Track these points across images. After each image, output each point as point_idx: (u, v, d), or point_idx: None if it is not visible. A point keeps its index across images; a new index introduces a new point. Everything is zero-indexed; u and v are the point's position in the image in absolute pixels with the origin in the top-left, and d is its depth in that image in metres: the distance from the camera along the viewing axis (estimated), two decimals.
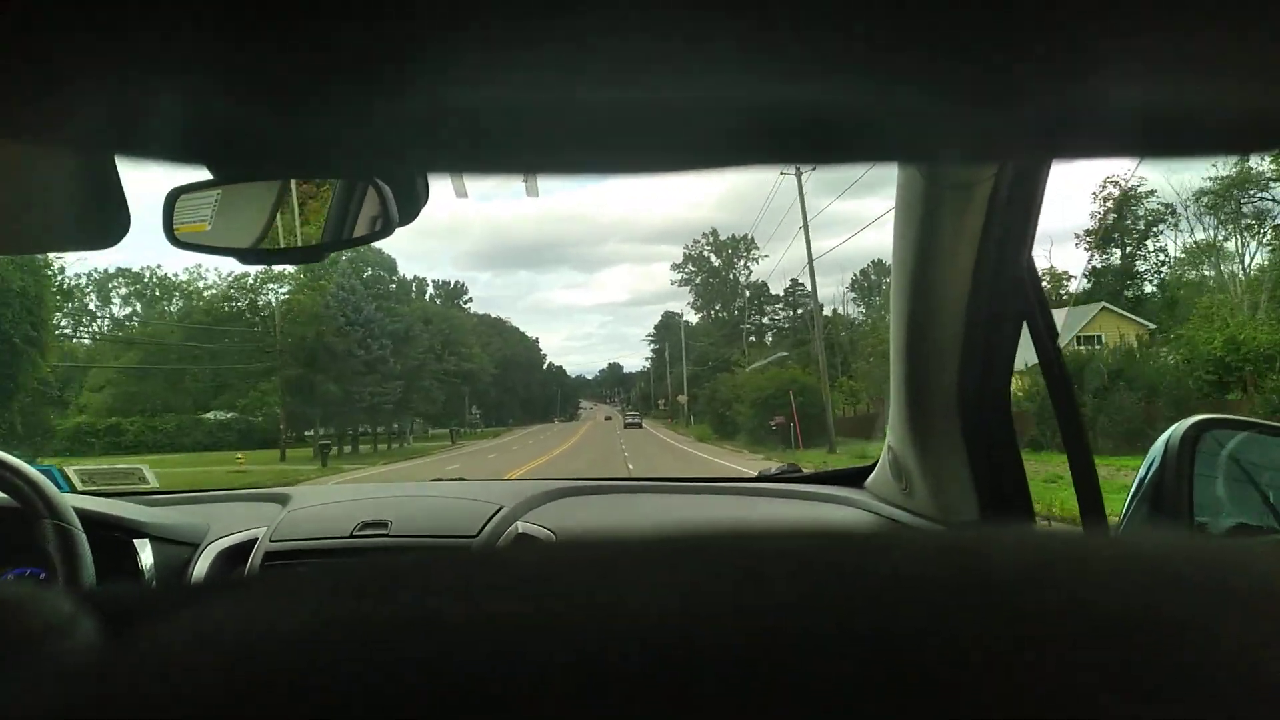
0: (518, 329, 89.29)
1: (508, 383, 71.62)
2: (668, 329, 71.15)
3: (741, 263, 66.32)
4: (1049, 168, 1.19)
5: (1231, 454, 1.18)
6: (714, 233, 68.88)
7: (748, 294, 63.63)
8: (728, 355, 51.50)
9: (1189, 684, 0.17)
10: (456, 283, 70.28)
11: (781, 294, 60.03)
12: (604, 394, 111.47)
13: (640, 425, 60.50)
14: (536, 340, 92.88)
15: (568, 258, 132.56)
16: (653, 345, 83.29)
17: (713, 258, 67.65)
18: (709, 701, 0.17)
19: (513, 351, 77.46)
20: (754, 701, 0.17)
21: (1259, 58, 0.21)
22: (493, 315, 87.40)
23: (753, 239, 65.59)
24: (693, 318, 66.56)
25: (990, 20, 0.20)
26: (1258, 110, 0.24)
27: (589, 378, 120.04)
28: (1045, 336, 1.23)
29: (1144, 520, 1.12)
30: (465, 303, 72.22)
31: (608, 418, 74.93)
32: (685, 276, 68.10)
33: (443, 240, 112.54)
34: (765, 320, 62.39)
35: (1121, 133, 0.25)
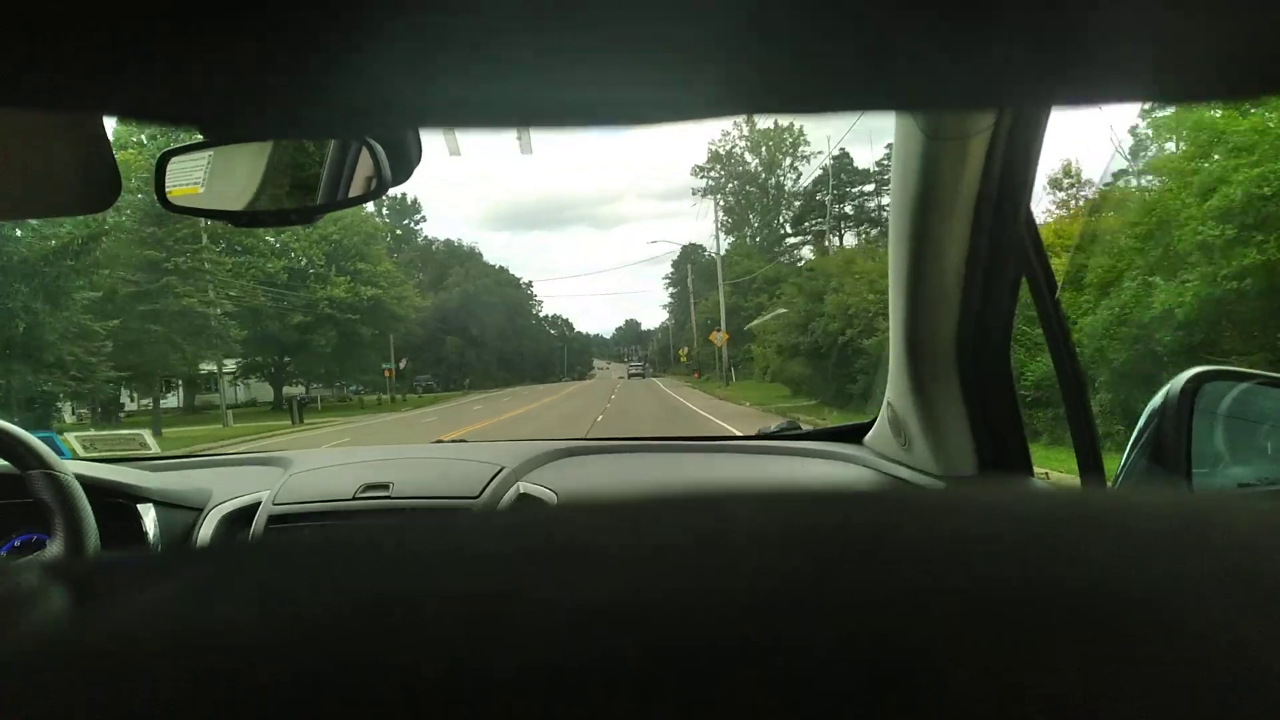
0: (495, 266, 70.04)
1: (474, 332, 56.46)
2: (689, 265, 54.39)
3: (788, 161, 48.34)
4: (1046, 120, 1.17)
5: (1231, 406, 1.18)
6: (750, 121, 44.87)
7: (797, 204, 46.04)
8: (783, 274, 35.24)
9: (1160, 650, 0.18)
10: (412, 199, 57.93)
11: (873, 168, 40.54)
12: (621, 352, 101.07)
13: (643, 376, 56.31)
14: (528, 284, 74.40)
15: (582, 217, 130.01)
16: (670, 290, 67.82)
17: (747, 156, 49.76)
18: (703, 664, 0.17)
19: (480, 290, 60.34)
20: (748, 663, 0.17)
21: (1252, 4, 0.21)
22: (458, 241, 70.80)
23: (801, 129, 47.58)
24: (720, 244, 47.10)
25: None
26: (1262, 54, 0.23)
27: (606, 336, 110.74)
28: (1044, 291, 1.23)
29: (1142, 473, 1.13)
30: (417, 223, 59.05)
31: (622, 377, 62.78)
32: (712, 182, 50.07)
33: (455, 205, 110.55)
34: (848, 209, 42.59)
35: (1122, 76, 0.25)
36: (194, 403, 32.98)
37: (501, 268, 72.27)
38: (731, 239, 48.76)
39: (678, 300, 63.85)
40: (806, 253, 42.11)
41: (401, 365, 44.09)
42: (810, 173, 46.11)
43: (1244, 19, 0.22)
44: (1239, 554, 0.21)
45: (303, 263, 34.94)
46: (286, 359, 35.04)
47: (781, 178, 49.07)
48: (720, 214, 47.87)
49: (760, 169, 49.50)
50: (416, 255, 60.81)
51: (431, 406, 33.06)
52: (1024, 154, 1.14)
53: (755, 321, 29.12)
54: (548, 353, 76.14)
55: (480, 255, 70.06)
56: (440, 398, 42.07)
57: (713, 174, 50.30)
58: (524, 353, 66.98)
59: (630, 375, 59.12)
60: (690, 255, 55.70)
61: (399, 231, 57.10)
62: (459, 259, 64.81)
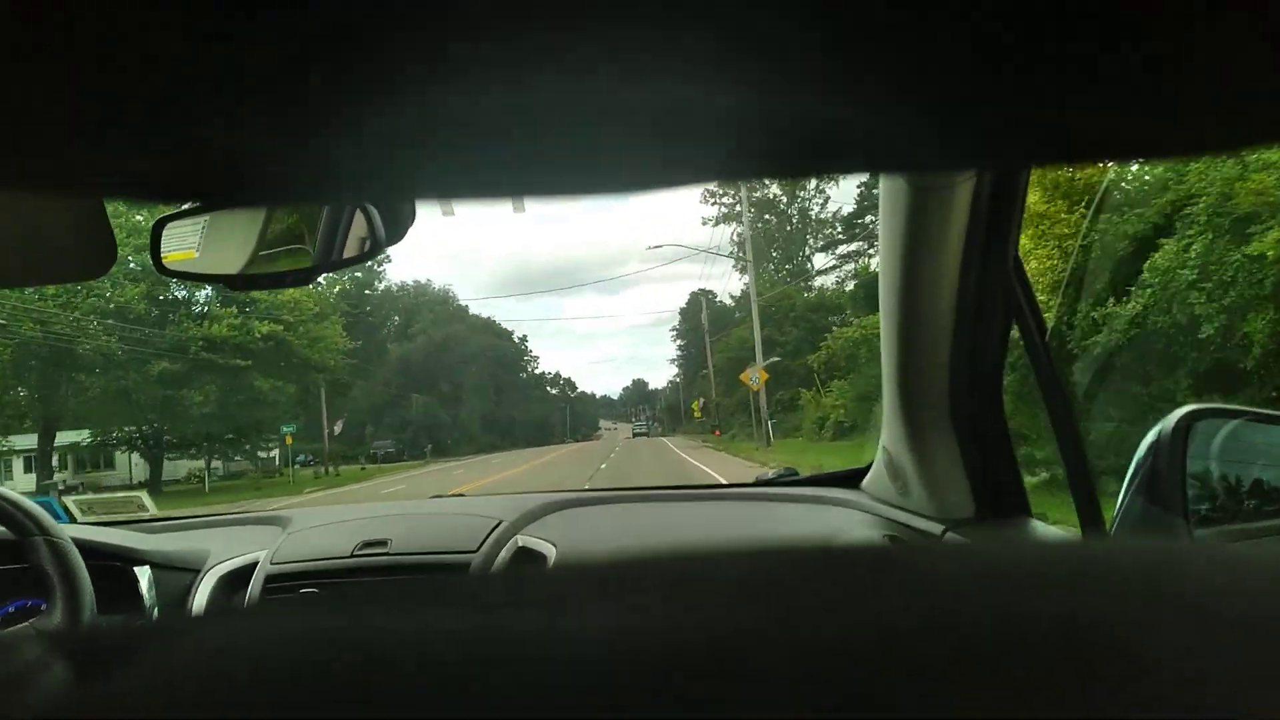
0: (477, 314, 61.67)
1: (445, 389, 49.60)
2: (703, 300, 47.67)
3: (813, 184, 41.52)
4: (1030, 168, 1.19)
5: (1223, 443, 1.18)
6: None
7: (826, 231, 42.06)
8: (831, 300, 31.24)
9: (1137, 693, 0.18)
10: None
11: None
12: (629, 412, 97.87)
13: (648, 435, 52.02)
14: (522, 339, 67.39)
15: (588, 281, 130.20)
16: (678, 343, 63.64)
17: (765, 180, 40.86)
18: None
19: (451, 339, 52.13)
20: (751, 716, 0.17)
21: (1234, 61, 0.21)
22: (426, 282, 61.68)
23: None
24: (734, 285, 45.11)
25: (967, 31, 0.20)
26: (1228, 109, 0.24)
27: (614, 398, 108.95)
28: (1034, 333, 1.23)
29: (1139, 513, 1.13)
30: (380, 263, 47.82)
31: (628, 438, 56.99)
32: (724, 210, 44.44)
33: (465, 266, 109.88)
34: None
35: (1102, 136, 0.26)
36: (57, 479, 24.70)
37: (489, 318, 64.00)
38: (743, 275, 41.37)
39: (687, 352, 59.48)
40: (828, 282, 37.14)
41: (337, 429, 37.15)
42: (843, 196, 41.97)
43: (1208, 79, 0.22)
44: (1218, 602, 0.21)
45: (173, 291, 25.41)
46: (152, 424, 26.27)
47: (806, 203, 44.02)
48: (735, 248, 40.65)
49: (780, 195, 43.77)
50: (382, 300, 52.45)
51: (354, 484, 25.33)
52: (1009, 199, 1.16)
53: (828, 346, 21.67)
54: (544, 413, 67.55)
55: (455, 298, 61.41)
56: (385, 469, 34.62)
57: (724, 200, 43.84)
58: (515, 414, 58.51)
59: (635, 434, 54.38)
60: (698, 303, 49.44)
61: (359, 274, 48.78)
62: (429, 303, 56.53)
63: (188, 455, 29.04)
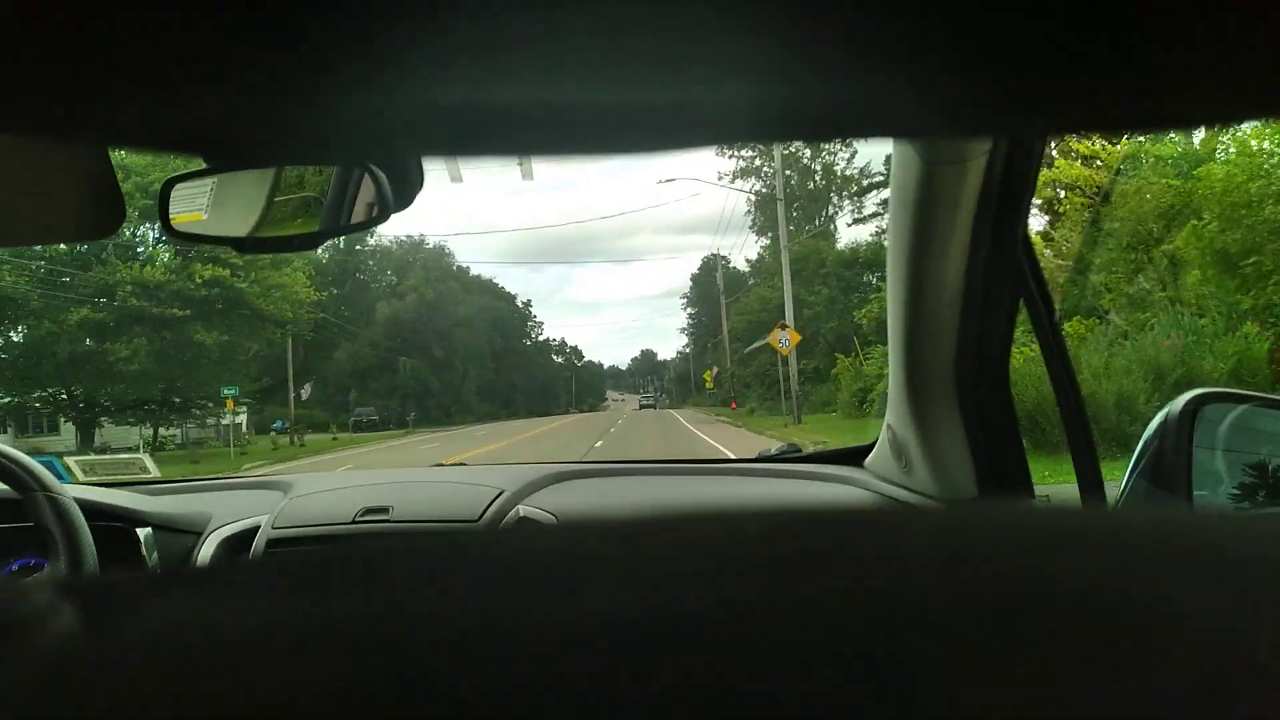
0: (478, 275, 55.87)
1: (439, 353, 44.96)
2: (709, 280, 45.61)
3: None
4: (1044, 144, 1.18)
5: (1230, 427, 1.18)
6: None
7: (854, 187, 38.21)
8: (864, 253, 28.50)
9: (1154, 661, 0.18)
10: None
11: None
12: (637, 383, 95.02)
13: (655, 406, 50.28)
14: (526, 303, 62.41)
15: (600, 251, 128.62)
16: (689, 310, 58.94)
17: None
18: (696, 684, 0.17)
19: (444, 297, 47.19)
20: (742, 684, 0.17)
21: (1250, 29, 0.21)
22: (420, 237, 52.50)
23: None
24: (751, 252, 41.52)
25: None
26: (1248, 80, 0.24)
27: (622, 368, 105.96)
28: (1042, 313, 1.23)
29: (1143, 495, 1.13)
30: None
31: (635, 409, 54.04)
32: (743, 164, 39.39)
33: (477, 236, 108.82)
34: None
35: (1119, 105, 0.25)
36: None
37: (489, 279, 56.95)
38: (767, 238, 38.13)
39: (698, 320, 55.16)
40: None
41: (304, 393, 33.62)
42: (873, 151, 37.24)
43: (1225, 48, 0.22)
44: (1233, 564, 0.21)
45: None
46: (75, 387, 22.09)
47: (832, 157, 39.52)
48: (752, 208, 38.28)
49: (804, 148, 38.08)
50: (376, 256, 48.02)
51: (305, 458, 21.13)
52: (1020, 177, 1.15)
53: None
54: (548, 382, 62.86)
55: (451, 255, 54.74)
56: (361, 439, 31.20)
57: (744, 153, 38.62)
58: (516, 382, 53.77)
59: (641, 406, 52.01)
60: (711, 268, 46.79)
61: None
62: (423, 260, 50.93)
63: (126, 421, 24.54)
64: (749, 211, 38.65)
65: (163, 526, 1.68)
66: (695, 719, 0.16)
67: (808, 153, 38.93)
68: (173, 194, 1.00)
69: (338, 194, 0.99)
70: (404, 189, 0.94)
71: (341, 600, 0.21)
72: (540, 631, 0.19)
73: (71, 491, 1.54)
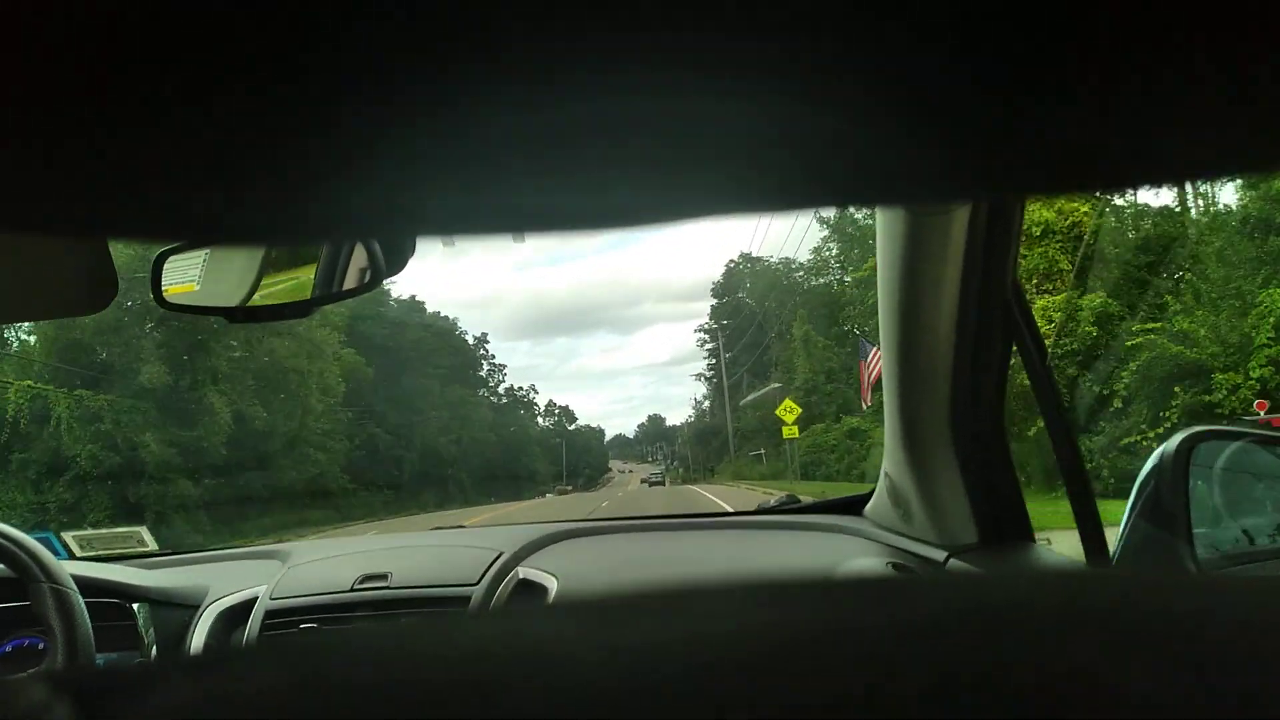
0: (399, 295, 38.08)
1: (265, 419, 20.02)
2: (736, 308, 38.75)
3: None
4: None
5: (1226, 465, 1.18)
6: None
7: None
8: None
9: None
10: None
11: None
12: (644, 452, 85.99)
13: (663, 484, 41.58)
14: (481, 338, 50.65)
15: (604, 321, 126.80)
16: (707, 347, 48.92)
17: None
18: None
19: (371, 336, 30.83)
20: None
21: (1232, 91, 0.21)
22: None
23: None
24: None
25: (965, 67, 0.20)
26: (1233, 137, 0.24)
27: (629, 436, 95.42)
28: (1035, 357, 1.23)
29: (1143, 536, 1.12)
30: None
31: (646, 482, 45.79)
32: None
33: (481, 310, 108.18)
34: None
35: (1105, 165, 0.26)
36: None
37: (412, 296, 40.03)
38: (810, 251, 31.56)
39: (727, 335, 42.65)
40: None
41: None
42: None
43: (1205, 106, 0.22)
44: (1214, 646, 0.21)
45: None
46: None
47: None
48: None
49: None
50: None
51: None
52: (1006, 223, 1.16)
53: None
54: (515, 450, 44.40)
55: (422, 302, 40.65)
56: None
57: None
58: (467, 453, 36.10)
59: (651, 483, 43.07)
60: (733, 271, 40.40)
61: None
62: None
63: None
64: None
65: (160, 601, 1.67)
66: None
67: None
68: (165, 267, 1.01)
69: (329, 261, 1.00)
70: (396, 255, 0.95)
71: (334, 694, 0.22)
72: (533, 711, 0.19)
73: (69, 568, 1.53)
